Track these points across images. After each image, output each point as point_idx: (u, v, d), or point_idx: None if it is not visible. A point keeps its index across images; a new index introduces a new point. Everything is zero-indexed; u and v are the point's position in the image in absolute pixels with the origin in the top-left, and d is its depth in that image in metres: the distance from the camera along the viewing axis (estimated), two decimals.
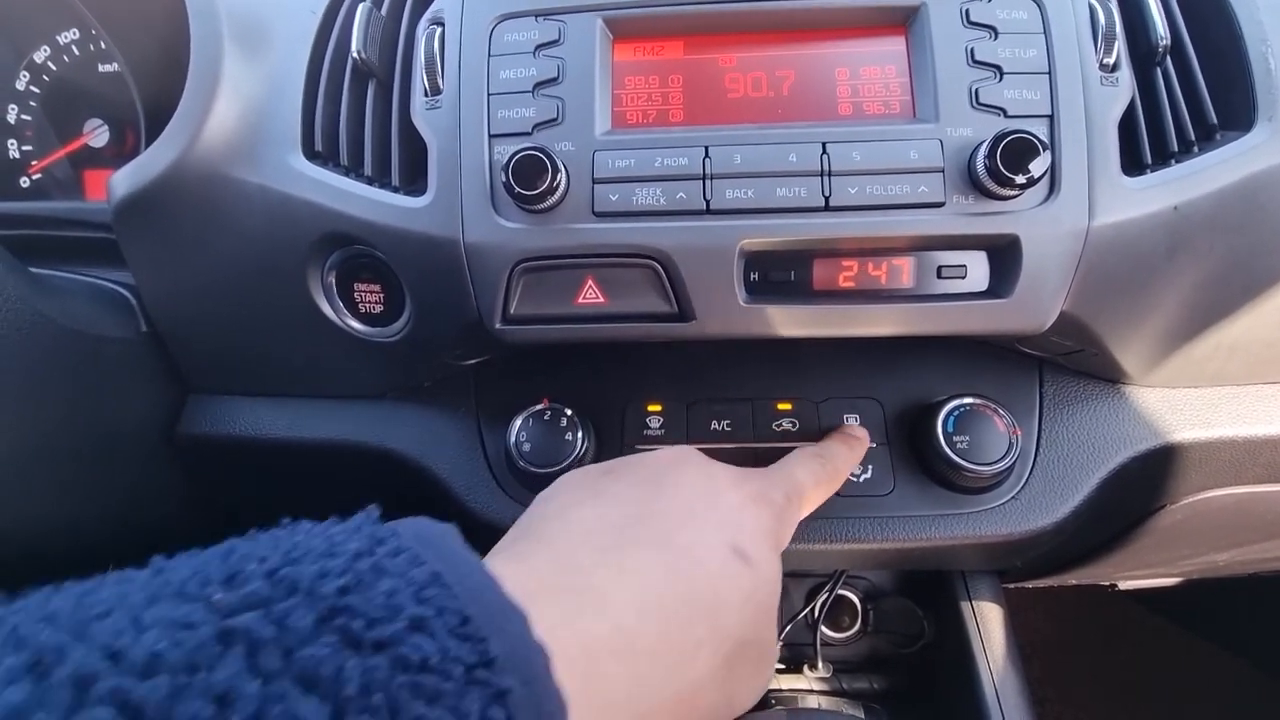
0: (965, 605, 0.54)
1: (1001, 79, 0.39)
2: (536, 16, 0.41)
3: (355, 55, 0.44)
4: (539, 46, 0.41)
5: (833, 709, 0.54)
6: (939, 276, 0.41)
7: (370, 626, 0.19)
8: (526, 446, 0.46)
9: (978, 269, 0.41)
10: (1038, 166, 0.36)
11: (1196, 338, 0.44)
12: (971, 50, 0.39)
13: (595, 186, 0.40)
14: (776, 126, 0.40)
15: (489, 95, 0.41)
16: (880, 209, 0.39)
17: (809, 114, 0.41)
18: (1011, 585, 0.66)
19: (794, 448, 0.43)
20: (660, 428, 0.49)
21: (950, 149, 0.39)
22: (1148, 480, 0.50)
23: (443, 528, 0.25)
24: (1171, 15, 0.42)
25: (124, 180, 0.45)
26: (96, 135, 0.60)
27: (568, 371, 0.51)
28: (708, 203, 0.39)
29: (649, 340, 0.43)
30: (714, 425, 0.48)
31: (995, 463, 0.44)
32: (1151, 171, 0.40)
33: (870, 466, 0.47)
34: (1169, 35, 0.41)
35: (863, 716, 0.53)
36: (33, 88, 0.59)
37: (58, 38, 0.59)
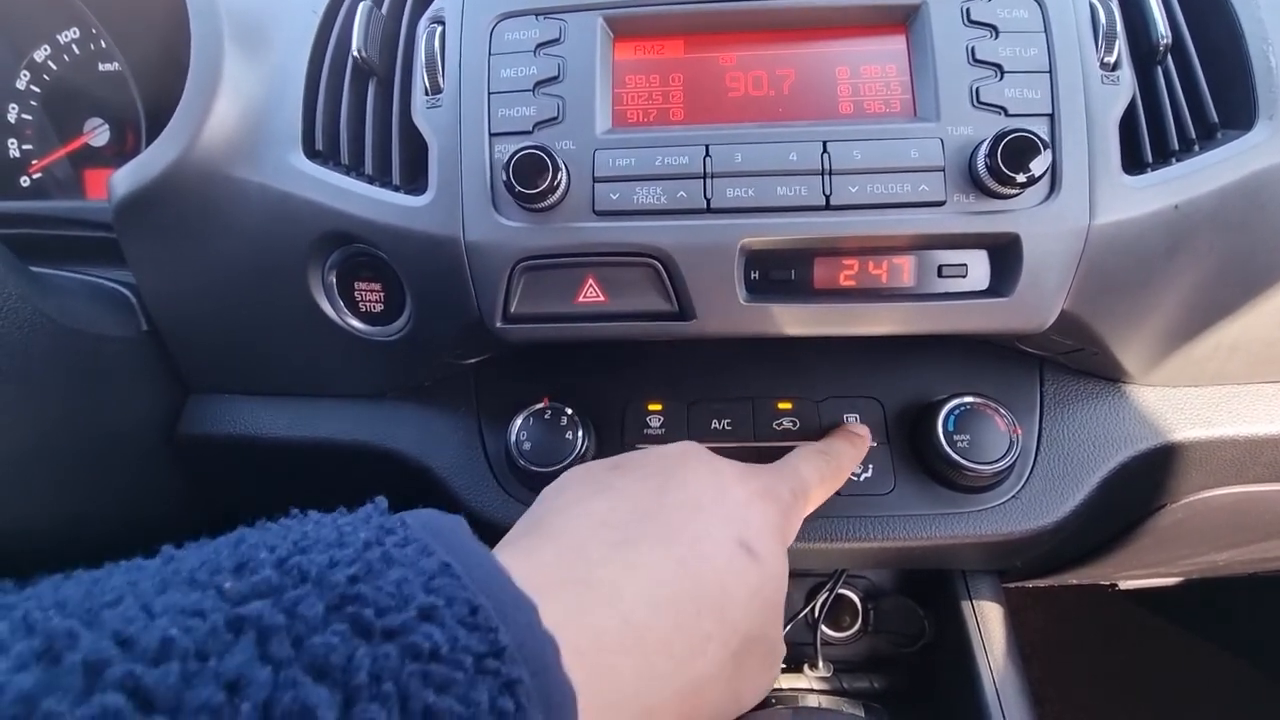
0: (965, 605, 0.54)
1: (1002, 78, 0.39)
2: (537, 15, 0.41)
3: (356, 54, 0.44)
4: (539, 45, 0.41)
5: (833, 708, 0.54)
6: (939, 275, 0.41)
7: (380, 615, 0.19)
8: (527, 445, 0.46)
9: (978, 268, 0.41)
10: (1038, 165, 0.36)
11: (1197, 337, 0.44)
12: (972, 49, 0.39)
13: (596, 185, 0.40)
14: (777, 125, 0.40)
15: (489, 94, 0.41)
16: (881, 208, 0.39)
17: (810, 113, 0.41)
18: (1012, 585, 0.66)
19: (795, 447, 0.43)
20: (660, 427, 0.49)
21: (951, 148, 0.39)
22: (1148, 479, 0.50)
23: (451, 519, 0.25)
24: (1172, 14, 0.42)
25: (124, 179, 0.45)
26: (97, 134, 0.60)
27: (568, 371, 0.51)
28: (708, 201, 0.39)
29: (649, 339, 0.43)
30: (714, 424, 0.48)
31: (996, 462, 0.44)
32: (1152, 170, 0.40)
33: (871, 465, 0.47)
34: (1170, 34, 0.41)
35: (863, 716, 0.53)
36: (33, 87, 0.59)
37: (58, 37, 0.59)
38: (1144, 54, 0.41)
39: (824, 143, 0.39)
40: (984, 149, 0.37)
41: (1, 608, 0.17)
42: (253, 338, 0.50)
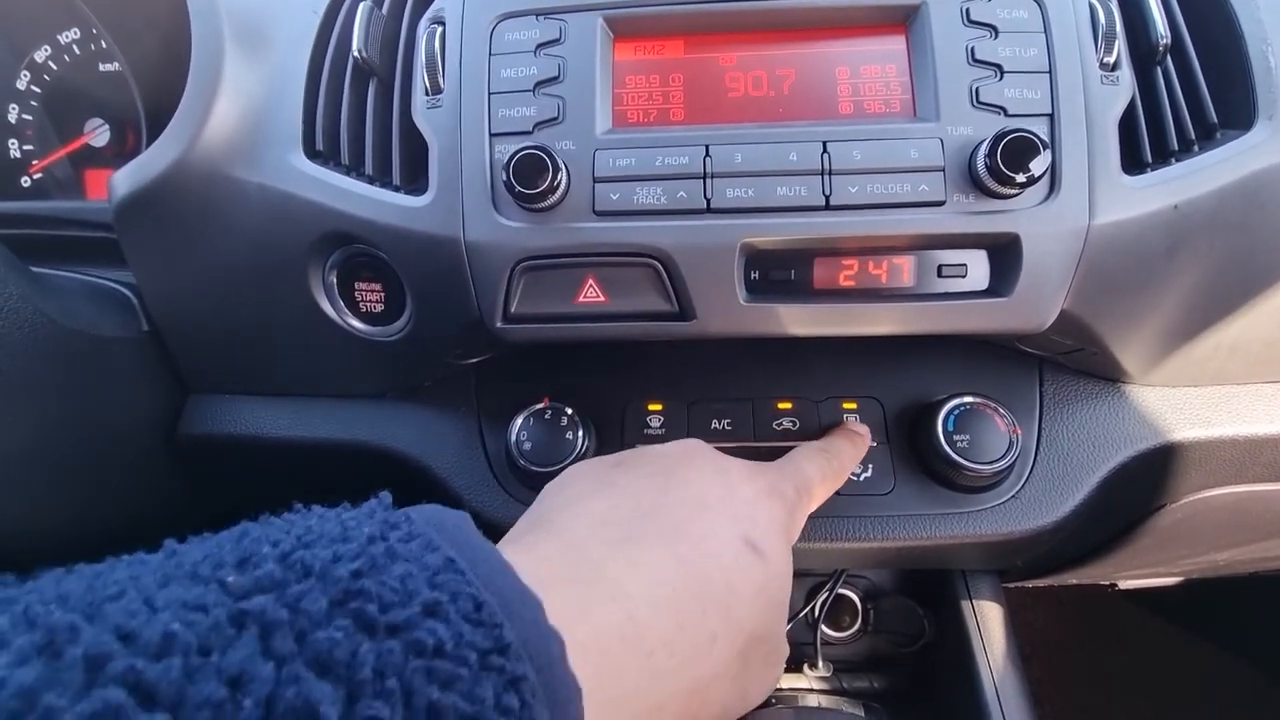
0: (965, 604, 0.54)
1: (1002, 78, 0.39)
2: (537, 15, 0.41)
3: (356, 54, 0.44)
4: (540, 45, 0.41)
5: (833, 708, 0.54)
6: (939, 275, 0.41)
7: (384, 610, 0.19)
8: (527, 445, 0.46)
9: (978, 268, 0.41)
10: (1038, 165, 0.36)
11: (1197, 337, 0.44)
12: (972, 49, 0.39)
13: (596, 185, 0.40)
14: (777, 125, 0.40)
15: (490, 94, 0.41)
16: (881, 208, 0.39)
17: (809, 113, 0.41)
18: (1012, 585, 0.66)
19: (794, 447, 0.43)
20: (661, 427, 0.49)
21: (951, 148, 0.39)
22: (1148, 479, 0.50)
23: (456, 514, 0.25)
24: (1172, 14, 0.42)
25: (125, 180, 0.45)
26: (97, 135, 0.60)
27: (568, 370, 0.51)
28: (708, 201, 0.39)
29: (649, 339, 0.43)
30: (714, 424, 0.49)
31: (995, 462, 0.44)
32: (1152, 170, 0.40)
33: (870, 465, 0.47)
34: (1169, 34, 0.41)
35: (863, 715, 0.53)
36: (34, 87, 0.59)
37: (59, 37, 0.59)
38: (1143, 54, 0.41)
39: (824, 143, 0.39)
40: (984, 149, 0.37)
41: (2, 601, 0.17)
42: (253, 338, 0.50)
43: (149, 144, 0.45)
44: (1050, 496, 0.46)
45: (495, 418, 0.51)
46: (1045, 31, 0.39)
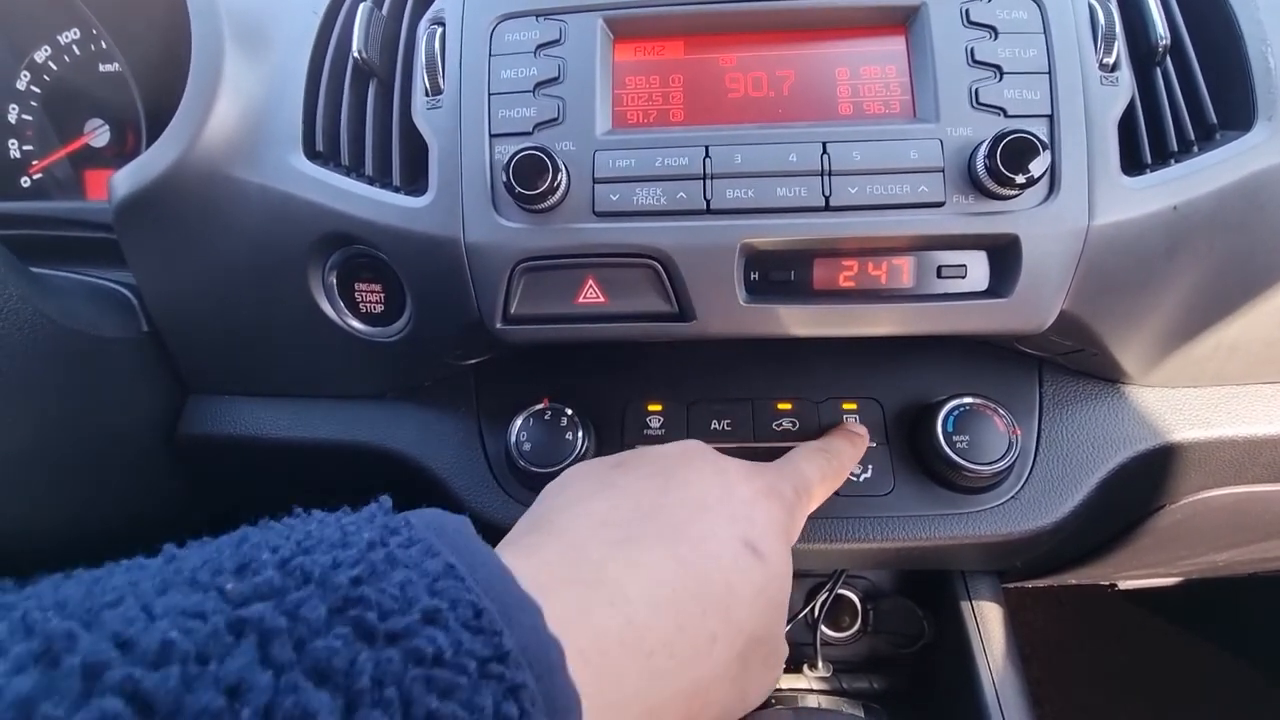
0: (965, 605, 0.54)
1: (1001, 79, 0.39)
2: (537, 16, 0.41)
3: (356, 55, 0.44)
4: (539, 46, 0.41)
5: (833, 708, 0.54)
6: (939, 276, 0.41)
7: (384, 618, 0.18)
8: (527, 446, 0.46)
9: (978, 269, 0.41)
10: (1037, 166, 0.36)
11: (1196, 337, 0.44)
12: (971, 50, 0.39)
13: (596, 186, 0.40)
14: (777, 126, 0.40)
15: (490, 95, 0.41)
16: (880, 209, 0.39)
17: (809, 114, 0.41)
18: (1011, 585, 0.66)
19: (793, 447, 0.43)
20: (660, 427, 0.49)
21: (950, 149, 0.39)
22: (1147, 480, 0.50)
23: (456, 519, 0.25)
24: (1171, 15, 0.42)
25: (125, 180, 0.45)
26: (97, 135, 0.60)
27: (568, 371, 0.51)
28: (708, 202, 0.39)
29: (649, 340, 0.43)
30: (714, 425, 0.49)
31: (995, 462, 0.44)
32: (1151, 171, 0.40)
33: (870, 466, 0.47)
34: (1169, 35, 0.41)
35: (862, 716, 0.53)
36: (33, 87, 0.59)
37: (58, 37, 0.59)
38: (1143, 55, 0.41)
39: (824, 144, 0.39)
40: (983, 150, 0.37)
41: (1, 608, 0.17)
42: (253, 338, 0.50)
43: (149, 144, 0.45)
44: (1050, 497, 0.46)
45: (495, 418, 0.51)
46: (1045, 32, 0.39)
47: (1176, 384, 0.47)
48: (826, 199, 0.39)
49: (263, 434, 0.52)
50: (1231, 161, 0.39)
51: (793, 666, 0.58)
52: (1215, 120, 0.41)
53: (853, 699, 0.56)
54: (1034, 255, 0.39)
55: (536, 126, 0.40)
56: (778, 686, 0.57)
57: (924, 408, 0.47)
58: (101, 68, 0.59)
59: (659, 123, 0.41)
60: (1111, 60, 0.39)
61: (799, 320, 0.41)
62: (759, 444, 0.48)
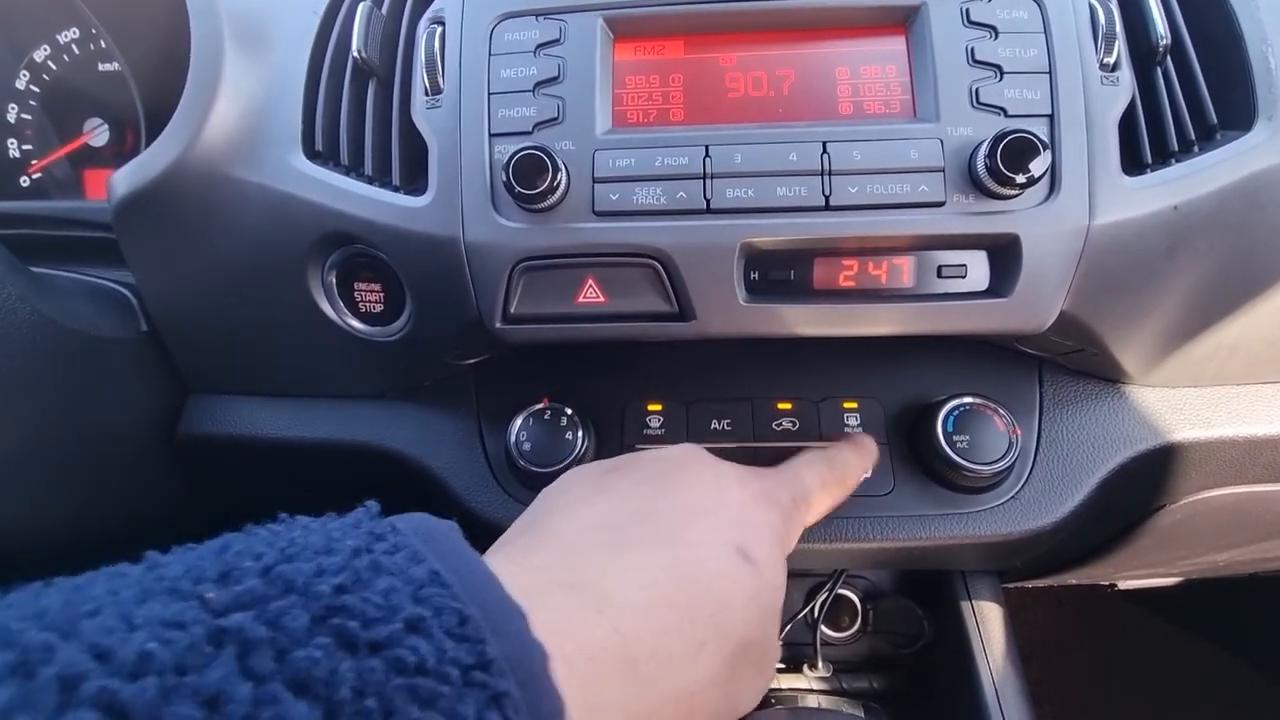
0: (965, 605, 0.54)
1: (1002, 78, 0.39)
2: (537, 16, 0.41)
3: (356, 55, 0.44)
4: (539, 46, 0.41)
5: (833, 708, 0.54)
6: (939, 276, 0.41)
7: (366, 627, 0.18)
8: (526, 446, 0.46)
9: (978, 268, 0.41)
10: (1038, 166, 0.36)
11: (1197, 337, 0.44)
12: (972, 50, 0.39)
13: (595, 186, 0.40)
14: (777, 126, 0.40)
15: (489, 94, 0.41)
16: (880, 208, 0.39)
17: (809, 113, 0.41)
18: (1011, 585, 0.66)
19: (793, 446, 0.43)
20: (660, 427, 0.49)
21: (950, 148, 0.39)
22: (1148, 480, 0.50)
23: (444, 524, 0.24)
24: (1172, 14, 0.42)
25: (124, 179, 0.45)
26: (96, 135, 0.60)
27: (568, 371, 0.51)
28: (708, 202, 0.39)
29: (649, 340, 0.43)
30: (714, 425, 0.48)
31: (995, 462, 0.44)
32: (1152, 171, 0.40)
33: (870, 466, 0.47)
34: (1169, 35, 0.41)
35: (862, 716, 0.53)
36: (33, 87, 0.59)
37: (58, 37, 0.59)
38: (1143, 55, 0.41)
39: (824, 143, 0.39)
40: (983, 150, 0.37)
41: None
42: (252, 338, 0.50)
43: (148, 144, 0.45)
44: (1050, 497, 0.46)
45: (495, 418, 0.51)
46: (1045, 32, 0.39)
47: (1177, 384, 0.47)
48: (826, 198, 0.39)
49: (262, 434, 0.52)
50: (1232, 161, 0.39)
51: (793, 666, 0.58)
52: (1216, 120, 0.41)
53: (853, 699, 0.56)
54: (1034, 255, 0.39)
55: (536, 126, 0.40)
56: (778, 686, 0.57)
57: (924, 407, 0.47)
58: (101, 67, 0.59)
59: (659, 122, 0.41)
60: (1112, 60, 0.39)
61: (799, 320, 0.41)
62: (759, 444, 0.48)
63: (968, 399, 0.45)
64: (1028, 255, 0.39)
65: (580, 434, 0.46)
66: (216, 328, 0.50)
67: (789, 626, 0.57)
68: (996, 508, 0.46)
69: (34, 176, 0.60)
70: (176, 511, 0.57)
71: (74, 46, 0.59)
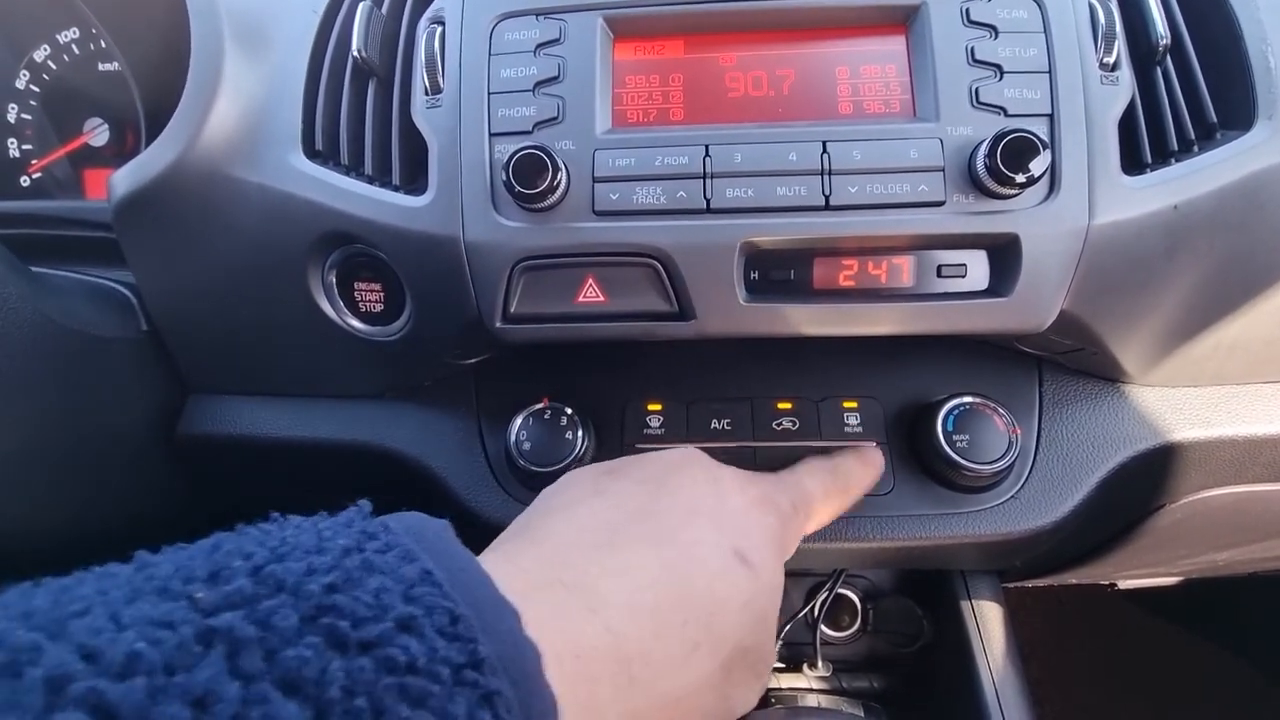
0: (965, 605, 0.54)
1: (1002, 78, 0.39)
2: (537, 15, 0.41)
3: (356, 54, 0.44)
4: (539, 45, 0.41)
5: (832, 708, 0.54)
6: (939, 275, 0.41)
7: (357, 626, 0.18)
8: (526, 445, 0.46)
9: (978, 268, 0.41)
10: (1038, 165, 0.36)
11: (1196, 337, 0.44)
12: (972, 49, 0.39)
13: (595, 185, 0.40)
14: (777, 125, 0.40)
15: (489, 94, 0.41)
16: (880, 208, 0.39)
17: (809, 113, 0.41)
18: (1011, 585, 0.66)
19: (793, 446, 0.43)
20: (660, 427, 0.49)
21: (950, 148, 0.39)
22: (1147, 479, 0.50)
23: (437, 523, 0.24)
24: (1171, 14, 0.42)
25: (124, 179, 0.45)
26: (97, 134, 0.60)
27: (568, 370, 0.51)
28: (708, 201, 0.39)
29: (649, 339, 0.43)
30: (714, 424, 0.48)
31: (995, 462, 0.44)
32: (1151, 171, 0.40)
33: None
34: (1169, 34, 0.41)
35: (862, 715, 0.54)
36: (33, 86, 0.59)
37: (58, 36, 0.59)
38: (1143, 54, 0.41)
39: (823, 143, 0.39)
40: (983, 149, 0.37)
41: None
42: (253, 338, 0.50)
43: (148, 144, 0.45)
44: (1049, 496, 0.46)
45: (495, 418, 0.51)
46: (1045, 32, 0.39)
47: (1176, 383, 0.47)
48: (826, 198, 0.39)
49: (262, 433, 0.52)
50: (1232, 161, 0.39)
51: (792, 666, 0.58)
52: (1215, 120, 0.41)
53: (852, 698, 0.56)
54: (1034, 254, 0.39)
55: (536, 125, 0.40)
56: (777, 686, 0.57)
57: (924, 407, 0.47)
58: (101, 67, 0.59)
59: (659, 122, 0.41)
60: (1112, 59, 0.39)
61: (799, 319, 0.41)
62: (759, 443, 0.48)
63: (967, 398, 0.45)
64: (1027, 255, 0.39)
65: (580, 434, 0.46)
66: (216, 327, 0.50)
67: (789, 626, 0.57)
68: (996, 507, 0.46)
69: (34, 176, 0.60)
70: (176, 511, 0.57)
71: (74, 46, 0.59)
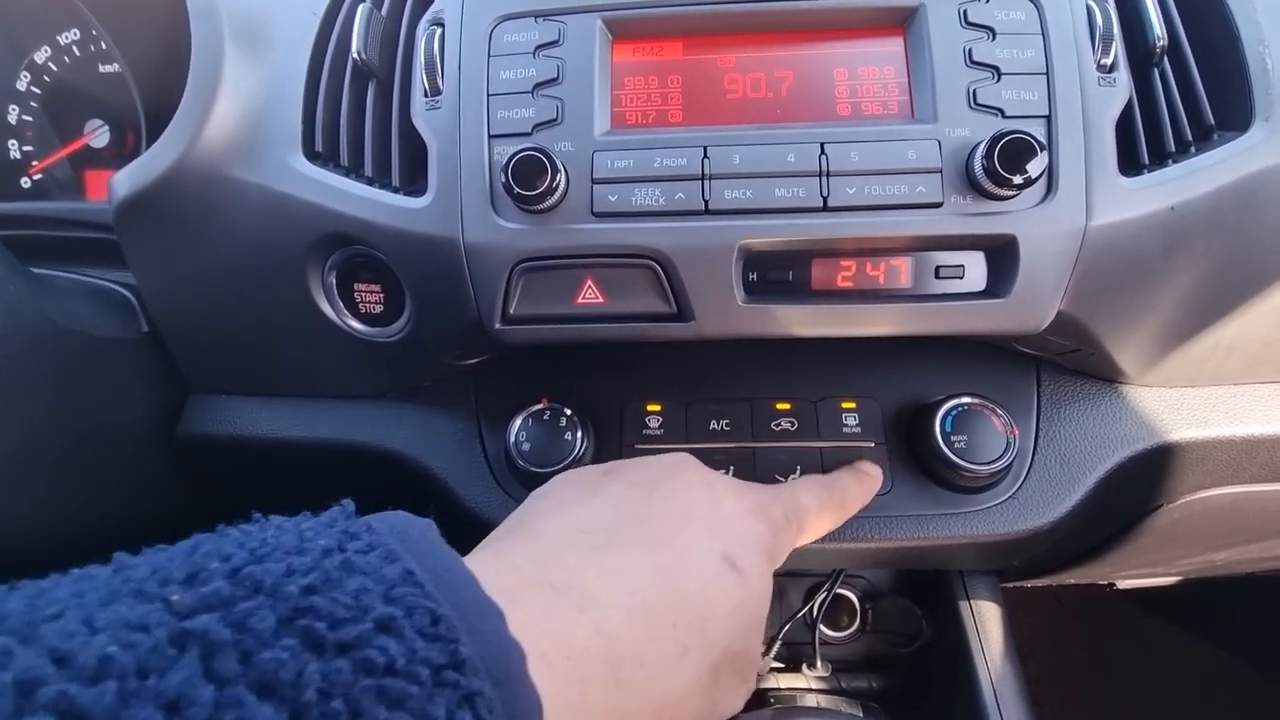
0: (963, 604, 0.54)
1: (999, 79, 0.39)
2: (536, 17, 0.42)
3: (355, 56, 0.44)
4: (539, 47, 0.41)
5: (830, 708, 0.54)
6: (937, 276, 0.41)
7: (334, 628, 0.18)
8: (526, 446, 0.46)
9: (975, 269, 0.41)
10: (1035, 167, 0.36)
11: (1194, 337, 0.44)
12: (969, 51, 0.39)
13: (594, 187, 0.40)
14: (775, 127, 0.40)
15: (489, 96, 0.41)
16: (878, 209, 0.39)
17: (807, 114, 0.41)
18: (1009, 585, 0.66)
19: (792, 447, 0.43)
20: (659, 427, 0.49)
21: (948, 149, 0.39)
22: (1145, 479, 0.50)
23: (421, 522, 0.24)
24: (1169, 16, 0.42)
25: (125, 180, 0.45)
26: (97, 136, 0.60)
27: (567, 371, 0.51)
28: (706, 203, 0.40)
29: (648, 340, 0.43)
30: (713, 425, 0.49)
31: (993, 462, 0.44)
32: (1149, 172, 0.40)
33: None
34: (1166, 36, 0.41)
35: (861, 715, 0.54)
36: (33, 88, 0.59)
37: (58, 38, 0.59)
38: (1140, 56, 0.42)
39: (822, 144, 0.39)
40: (981, 150, 0.37)
41: None
42: (252, 339, 0.50)
43: (149, 145, 0.45)
44: (1047, 497, 0.46)
45: (494, 418, 0.51)
46: (1042, 33, 0.39)
47: (1174, 384, 0.48)
48: (824, 199, 0.39)
49: (262, 434, 0.52)
50: (1229, 162, 0.39)
51: (791, 666, 0.59)
52: (1212, 121, 0.41)
53: (851, 698, 0.56)
54: (1031, 255, 0.39)
55: (535, 127, 0.41)
56: (776, 686, 0.57)
57: (922, 407, 0.47)
58: (101, 68, 0.59)
59: (658, 123, 0.41)
60: (1109, 61, 0.39)
61: (797, 320, 0.41)
62: (757, 444, 0.48)
63: (966, 399, 0.45)
64: (1025, 256, 0.39)
65: (579, 434, 0.46)
66: (217, 328, 0.50)
67: (788, 626, 0.57)
68: (994, 507, 0.46)
69: (35, 177, 0.60)
70: (176, 511, 0.57)
71: (74, 48, 0.59)
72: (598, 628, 0.25)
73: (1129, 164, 0.40)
